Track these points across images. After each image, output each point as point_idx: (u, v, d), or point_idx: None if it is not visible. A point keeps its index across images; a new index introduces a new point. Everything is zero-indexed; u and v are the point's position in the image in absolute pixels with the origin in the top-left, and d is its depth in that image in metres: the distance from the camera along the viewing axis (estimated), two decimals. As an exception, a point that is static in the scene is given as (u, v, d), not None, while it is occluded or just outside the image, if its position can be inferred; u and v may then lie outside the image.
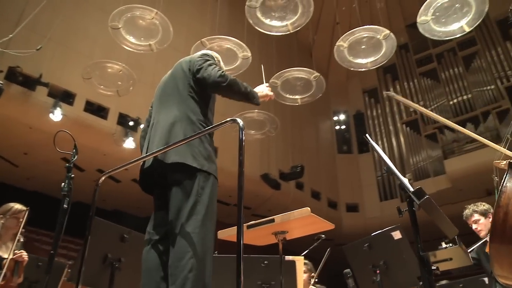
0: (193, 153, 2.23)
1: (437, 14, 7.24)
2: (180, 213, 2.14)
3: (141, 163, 2.40)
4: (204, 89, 2.46)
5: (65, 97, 8.69)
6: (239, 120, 1.79)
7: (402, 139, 15.48)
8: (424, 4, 7.06)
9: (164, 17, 7.13)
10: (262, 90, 2.72)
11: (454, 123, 12.42)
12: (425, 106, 15.36)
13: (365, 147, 16.14)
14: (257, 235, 2.95)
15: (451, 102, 14.84)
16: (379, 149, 2.22)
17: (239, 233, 1.54)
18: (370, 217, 14.56)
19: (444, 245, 3.09)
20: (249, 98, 2.52)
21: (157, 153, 2.18)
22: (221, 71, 2.36)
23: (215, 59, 2.62)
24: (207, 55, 2.55)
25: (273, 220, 2.72)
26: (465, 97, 14.62)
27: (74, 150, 2.42)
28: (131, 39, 7.33)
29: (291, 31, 7.62)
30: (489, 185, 12.68)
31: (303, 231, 2.96)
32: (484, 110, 13.93)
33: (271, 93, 2.77)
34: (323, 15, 15.75)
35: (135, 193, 8.10)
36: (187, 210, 2.14)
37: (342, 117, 17.26)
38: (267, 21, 7.46)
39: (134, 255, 2.99)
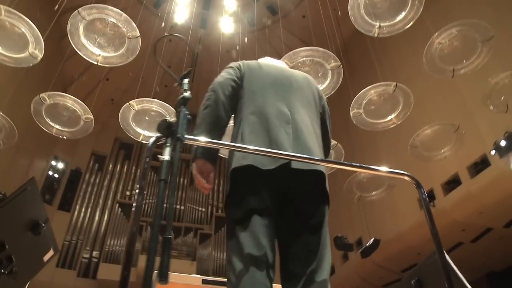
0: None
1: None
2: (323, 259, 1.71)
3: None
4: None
5: None
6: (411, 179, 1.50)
7: (106, 216, 15.05)
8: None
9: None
10: None
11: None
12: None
13: (67, 206, 14.95)
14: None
15: (164, 205, 15.48)
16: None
17: None
18: (37, 279, 12.97)
19: None
20: None
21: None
22: None
23: None
24: None
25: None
26: (178, 206, 15.57)
27: None
28: None
29: (99, 64, 7.09)
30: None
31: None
32: (189, 225, 15.12)
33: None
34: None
35: None
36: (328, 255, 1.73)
37: (60, 165, 15.87)
38: (84, 40, 6.80)
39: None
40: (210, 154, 1.89)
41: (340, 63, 7.29)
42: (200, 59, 17.03)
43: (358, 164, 1.70)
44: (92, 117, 7.82)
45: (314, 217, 1.80)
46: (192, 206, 15.87)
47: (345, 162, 1.73)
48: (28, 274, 2.10)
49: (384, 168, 1.77)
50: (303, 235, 1.75)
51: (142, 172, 1.29)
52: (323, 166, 1.85)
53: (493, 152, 8.77)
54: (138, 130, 8.10)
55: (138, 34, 6.72)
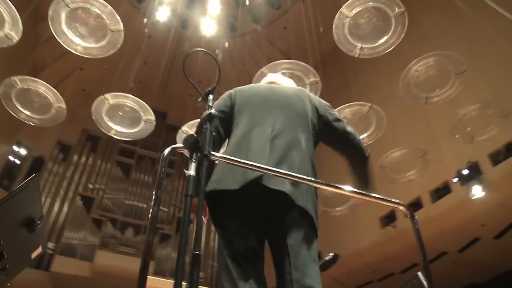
0: (316, 210, 1.89)
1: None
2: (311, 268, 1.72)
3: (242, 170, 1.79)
4: (325, 139, 2.20)
5: None
6: (406, 209, 1.54)
7: (66, 208, 14.66)
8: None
9: None
10: None
11: (120, 220, 12.68)
12: (103, 191, 15.38)
13: (25, 194, 14.48)
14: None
15: (127, 201, 15.31)
16: None
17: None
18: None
19: None
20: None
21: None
22: None
23: None
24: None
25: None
26: (140, 204, 15.39)
27: None
28: None
29: (78, 53, 6.97)
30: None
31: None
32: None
33: None
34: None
35: None
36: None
37: (22, 151, 15.38)
38: (65, 27, 6.67)
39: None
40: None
41: (319, 79, 7.41)
42: (178, 58, 16.95)
43: (353, 189, 1.75)
44: (64, 106, 7.68)
45: (293, 229, 1.81)
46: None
47: (330, 183, 1.77)
48: (16, 271, 2.05)
49: (378, 196, 1.83)
50: (287, 246, 1.77)
51: (158, 182, 1.30)
52: (289, 186, 1.82)
53: (455, 179, 9.09)
54: (111, 124, 8.00)
55: (122, 28, 6.65)
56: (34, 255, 2.17)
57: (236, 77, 16.78)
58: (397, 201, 1.84)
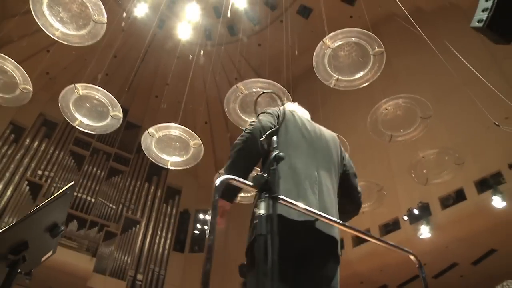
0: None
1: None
2: None
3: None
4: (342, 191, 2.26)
5: None
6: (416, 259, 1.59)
7: (10, 191, 13.95)
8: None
9: None
10: None
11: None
12: (52, 179, 14.87)
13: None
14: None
15: (75, 193, 14.82)
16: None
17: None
18: None
19: None
20: None
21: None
22: None
23: None
24: None
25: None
26: (89, 198, 14.97)
27: None
28: None
29: (56, 38, 6.81)
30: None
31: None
32: (95, 220, 14.59)
33: None
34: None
35: None
36: None
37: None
38: (45, 9, 6.53)
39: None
40: (228, 195, 1.99)
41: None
42: (149, 56, 16.77)
43: (372, 235, 1.85)
44: (31, 89, 7.44)
45: (327, 279, 1.92)
46: (103, 200, 15.34)
47: (361, 230, 1.89)
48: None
49: (391, 243, 1.93)
50: None
51: (213, 212, 1.31)
52: (338, 234, 1.99)
53: (405, 217, 9.44)
54: (77, 115, 7.79)
55: (105, 20, 6.57)
56: (44, 258, 2.13)
57: (203, 85, 16.76)
58: (408, 250, 1.95)
